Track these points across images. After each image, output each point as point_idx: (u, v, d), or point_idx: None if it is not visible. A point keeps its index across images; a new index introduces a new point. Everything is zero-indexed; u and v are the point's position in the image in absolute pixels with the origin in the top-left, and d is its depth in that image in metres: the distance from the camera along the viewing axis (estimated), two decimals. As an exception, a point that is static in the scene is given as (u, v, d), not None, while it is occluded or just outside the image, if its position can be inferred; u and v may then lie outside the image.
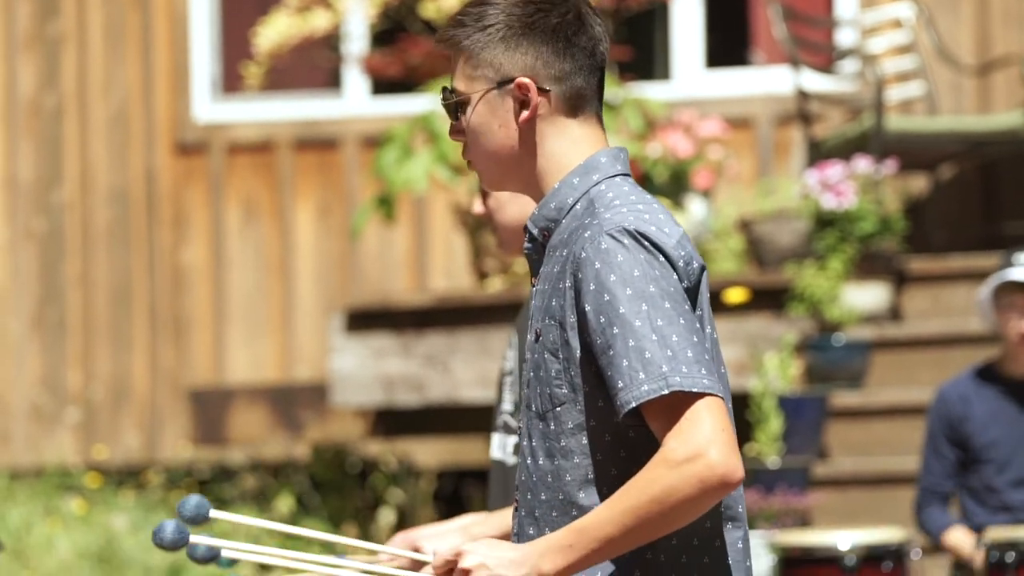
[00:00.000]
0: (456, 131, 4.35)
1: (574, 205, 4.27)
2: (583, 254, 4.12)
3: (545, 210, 4.30)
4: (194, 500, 4.32)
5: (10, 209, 13.88)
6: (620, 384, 4.02)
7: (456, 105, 4.33)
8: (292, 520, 12.78)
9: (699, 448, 3.96)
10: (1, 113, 13.91)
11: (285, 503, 13.05)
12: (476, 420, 11.44)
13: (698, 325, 4.14)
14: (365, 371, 12.32)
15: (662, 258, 4.11)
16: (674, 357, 4.02)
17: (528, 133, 4.30)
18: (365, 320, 12.41)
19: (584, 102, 4.33)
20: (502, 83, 4.27)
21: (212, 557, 4.34)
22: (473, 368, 12.01)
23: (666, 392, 3.97)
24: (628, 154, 4.40)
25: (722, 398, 4.05)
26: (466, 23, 4.32)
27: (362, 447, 13.04)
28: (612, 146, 4.38)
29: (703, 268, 4.19)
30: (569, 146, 4.33)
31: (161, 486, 13.48)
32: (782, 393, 11.11)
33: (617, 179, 4.28)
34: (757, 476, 10.70)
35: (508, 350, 5.79)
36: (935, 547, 9.39)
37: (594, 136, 4.34)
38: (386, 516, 12.67)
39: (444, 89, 4.35)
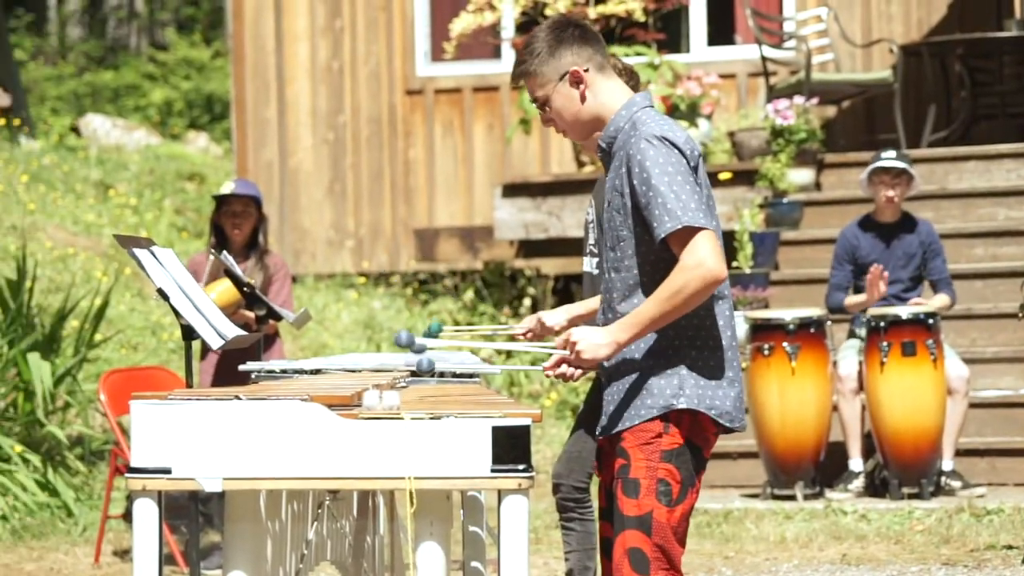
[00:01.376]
0: (547, 120, 4.35)
1: (624, 126, 4.26)
2: (631, 151, 4.17)
3: (608, 132, 4.30)
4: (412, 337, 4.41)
5: (313, 127, 13.78)
6: (655, 224, 4.08)
7: (542, 105, 4.32)
8: (472, 305, 12.88)
9: (701, 259, 4.03)
10: (309, 73, 13.80)
11: (468, 295, 12.98)
12: (577, 247, 11.38)
13: (698, 189, 4.13)
14: (513, 219, 12.24)
15: (676, 150, 4.13)
16: (685, 206, 4.05)
17: (586, 98, 4.29)
18: (513, 190, 12.30)
19: (606, 67, 4.32)
20: (562, 77, 4.27)
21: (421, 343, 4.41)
22: (575, 217, 11.90)
23: (680, 227, 4.05)
24: (651, 95, 4.37)
25: (713, 231, 4.07)
26: (526, 59, 4.30)
27: (512, 262, 12.90)
28: (642, 91, 4.38)
29: (700, 155, 4.21)
30: (610, 95, 4.31)
31: (399, 284, 13.48)
32: (753, 231, 10.96)
33: (647, 108, 4.28)
34: (739, 279, 10.43)
35: (589, 208, 5.90)
36: (838, 319, 9.33)
37: (619, 84, 4.37)
38: (525, 302, 12.56)
39: (534, 100, 4.33)
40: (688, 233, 4.06)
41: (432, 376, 4.77)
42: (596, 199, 5.72)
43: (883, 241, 9.24)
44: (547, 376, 4.33)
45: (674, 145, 4.15)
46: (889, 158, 9.18)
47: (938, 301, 9.12)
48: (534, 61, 4.29)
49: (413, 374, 5.05)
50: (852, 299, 9.16)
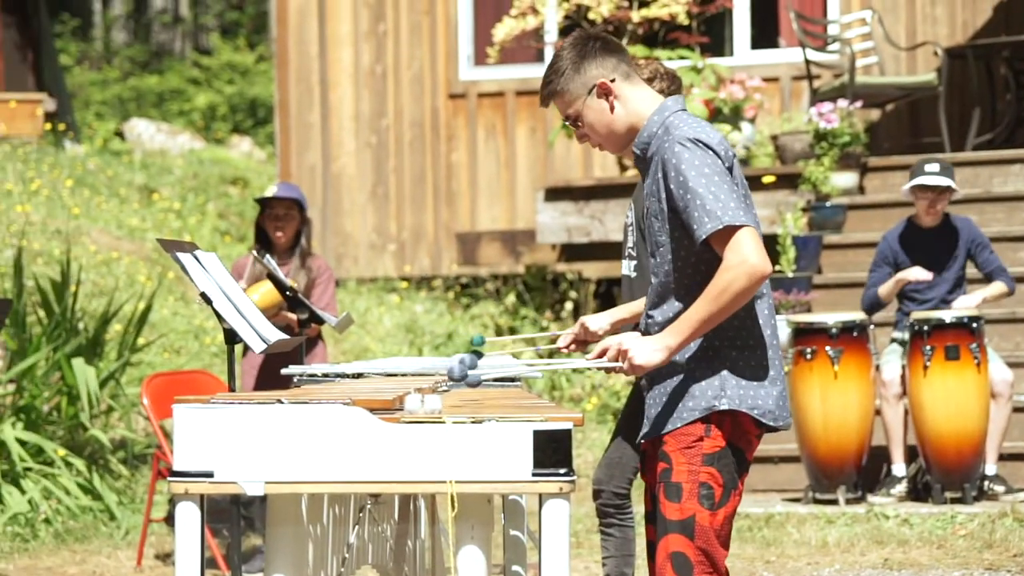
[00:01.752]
0: (581, 135, 4.35)
1: (657, 131, 4.26)
2: (666, 155, 4.15)
3: (642, 138, 4.29)
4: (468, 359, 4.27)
5: (356, 131, 13.82)
6: (695, 226, 4.06)
7: (575, 121, 4.33)
8: (514, 308, 12.87)
9: (745, 256, 4.01)
10: (352, 77, 13.84)
11: (510, 299, 12.96)
12: (619, 251, 11.52)
13: (736, 188, 4.12)
14: (555, 223, 12.17)
15: (711, 152, 4.12)
16: (724, 206, 4.04)
17: (616, 108, 4.29)
18: (555, 193, 12.25)
19: (632, 75, 4.32)
20: (590, 91, 4.27)
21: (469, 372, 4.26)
22: (617, 221, 11.82)
23: (721, 226, 4.03)
24: (683, 99, 4.39)
25: (754, 228, 4.05)
26: (552, 79, 4.29)
27: (554, 266, 12.87)
28: (673, 96, 4.37)
29: (735, 155, 4.20)
30: (640, 102, 4.30)
31: (441, 288, 13.50)
32: (795, 235, 10.92)
33: (679, 112, 4.27)
34: (782, 283, 10.42)
35: (629, 211, 5.88)
36: (881, 322, 9.30)
37: (648, 91, 4.36)
38: (567, 306, 12.53)
39: (566, 118, 4.33)
40: (729, 232, 4.05)
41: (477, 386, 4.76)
42: (636, 203, 5.72)
43: (926, 245, 9.19)
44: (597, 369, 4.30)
45: (708, 146, 4.14)
46: (932, 172, 9.06)
47: (995, 288, 9.07)
48: (560, 79, 4.29)
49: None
50: (884, 287, 9.13)
